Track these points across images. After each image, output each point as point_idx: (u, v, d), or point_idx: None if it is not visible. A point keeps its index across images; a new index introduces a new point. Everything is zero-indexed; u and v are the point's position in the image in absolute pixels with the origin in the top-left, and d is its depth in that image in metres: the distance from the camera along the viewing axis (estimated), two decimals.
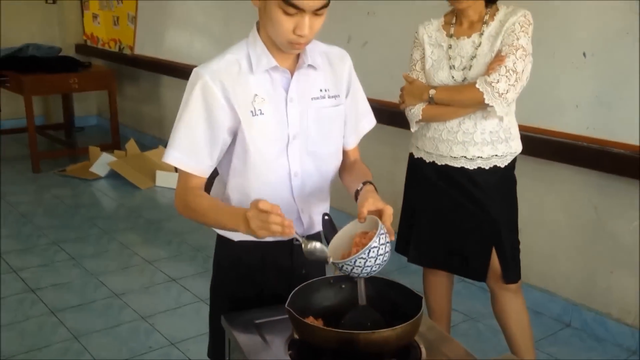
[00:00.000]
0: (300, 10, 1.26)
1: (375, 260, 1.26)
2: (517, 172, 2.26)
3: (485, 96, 2.02)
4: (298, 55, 1.42)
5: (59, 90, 5.81)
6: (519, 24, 2.05)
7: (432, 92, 2.12)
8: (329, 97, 1.46)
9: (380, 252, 1.26)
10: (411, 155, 2.35)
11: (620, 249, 2.72)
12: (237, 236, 1.47)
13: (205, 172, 1.42)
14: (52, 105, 6.56)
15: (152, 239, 3.89)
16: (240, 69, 1.38)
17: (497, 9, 2.12)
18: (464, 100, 2.08)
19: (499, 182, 2.20)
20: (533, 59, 2.10)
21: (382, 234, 1.26)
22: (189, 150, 1.39)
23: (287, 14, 1.27)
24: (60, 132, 6.30)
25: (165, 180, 4.75)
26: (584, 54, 2.63)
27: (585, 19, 2.62)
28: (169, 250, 3.70)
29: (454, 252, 2.27)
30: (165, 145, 1.45)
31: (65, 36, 6.53)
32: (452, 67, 2.14)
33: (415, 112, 2.17)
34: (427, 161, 2.24)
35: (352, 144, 1.59)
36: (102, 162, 5.01)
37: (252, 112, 1.37)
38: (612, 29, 2.54)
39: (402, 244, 2.39)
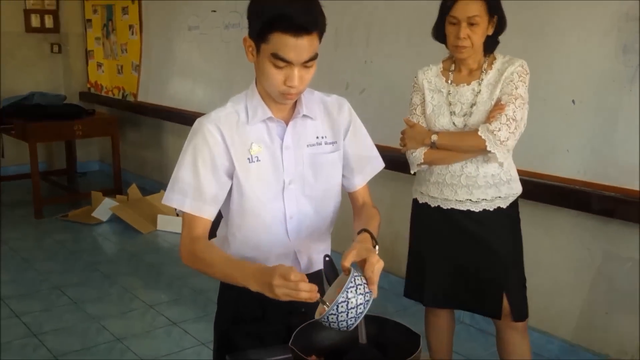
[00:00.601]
0: (289, 63, 1.35)
1: (347, 314, 1.24)
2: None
3: (487, 143, 2.11)
4: (294, 106, 1.50)
5: (63, 137, 5.92)
6: (517, 73, 2.15)
7: (434, 137, 2.20)
8: (325, 143, 1.54)
9: (352, 305, 1.23)
10: (415, 200, 2.40)
11: (614, 290, 2.77)
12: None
13: (208, 214, 1.47)
14: (55, 151, 6.67)
15: (153, 283, 3.92)
16: (239, 119, 1.47)
17: (495, 58, 2.23)
18: (466, 146, 2.18)
19: (504, 222, 2.28)
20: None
21: (351, 287, 1.24)
22: (192, 191, 1.44)
23: (277, 67, 1.36)
24: (62, 178, 6.38)
25: (166, 224, 4.81)
26: (573, 101, 2.74)
27: (574, 67, 2.74)
28: (170, 294, 3.73)
29: (468, 292, 2.32)
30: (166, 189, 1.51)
31: (70, 84, 6.68)
32: (452, 113, 2.22)
33: (416, 155, 2.25)
34: (433, 206, 2.30)
35: (358, 185, 1.63)
36: (104, 207, 5.08)
37: (249, 159, 1.46)
38: (599, 77, 2.66)
39: (413, 289, 2.45)
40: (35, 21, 6.49)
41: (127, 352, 3.03)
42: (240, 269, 1.37)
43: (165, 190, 1.50)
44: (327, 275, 1.40)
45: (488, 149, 2.12)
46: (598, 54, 2.64)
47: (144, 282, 3.96)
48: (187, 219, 1.47)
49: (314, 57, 1.37)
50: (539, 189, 2.87)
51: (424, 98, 2.28)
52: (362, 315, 1.27)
